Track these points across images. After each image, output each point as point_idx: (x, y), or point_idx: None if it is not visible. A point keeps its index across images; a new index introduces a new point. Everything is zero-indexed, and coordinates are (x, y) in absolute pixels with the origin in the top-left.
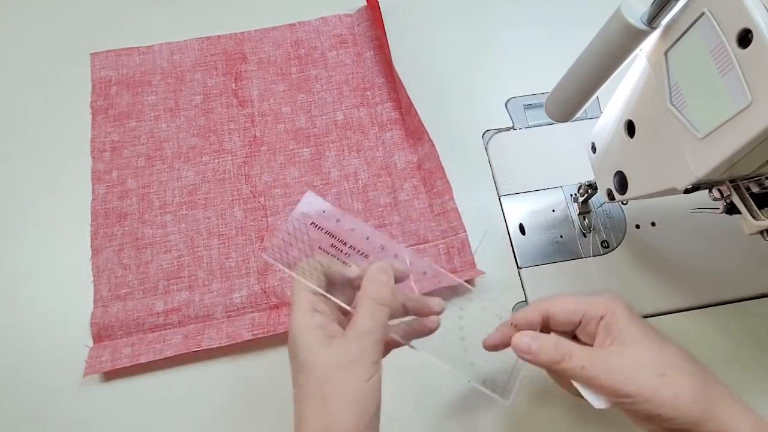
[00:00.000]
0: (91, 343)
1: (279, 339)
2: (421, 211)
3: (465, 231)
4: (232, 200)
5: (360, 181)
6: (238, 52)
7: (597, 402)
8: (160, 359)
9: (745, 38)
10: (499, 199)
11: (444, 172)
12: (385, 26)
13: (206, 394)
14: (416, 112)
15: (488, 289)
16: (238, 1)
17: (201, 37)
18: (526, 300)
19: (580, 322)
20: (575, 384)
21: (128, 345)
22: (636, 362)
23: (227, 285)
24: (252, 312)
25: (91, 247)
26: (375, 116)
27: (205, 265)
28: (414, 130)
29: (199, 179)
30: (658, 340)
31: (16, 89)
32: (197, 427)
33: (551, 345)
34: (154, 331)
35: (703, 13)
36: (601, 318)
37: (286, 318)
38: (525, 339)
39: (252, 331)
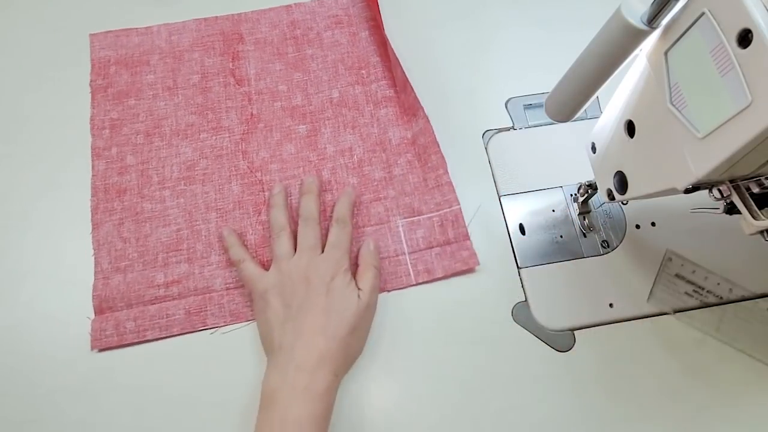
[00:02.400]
0: (92, 315)
1: None
2: (415, 185)
3: (458, 204)
4: (230, 176)
5: (355, 157)
6: (235, 33)
7: None
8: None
9: (745, 38)
10: (499, 199)
11: (438, 146)
12: (379, 6)
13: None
14: (412, 88)
15: (488, 288)
16: None
17: (199, 18)
18: (526, 300)
19: None
20: None
21: (130, 318)
22: None
23: (226, 257)
24: None
25: (92, 221)
26: (370, 94)
27: (203, 238)
28: (409, 106)
29: (197, 155)
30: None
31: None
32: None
33: None
34: (155, 303)
35: (703, 13)
36: None
37: None
38: None
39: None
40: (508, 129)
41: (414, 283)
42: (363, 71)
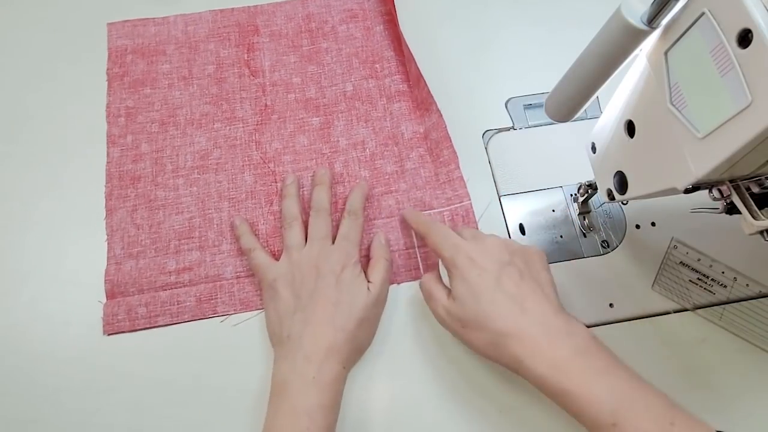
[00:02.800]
0: (104, 299)
1: None
2: (426, 179)
3: (469, 199)
4: (243, 166)
5: (367, 150)
6: (251, 25)
7: None
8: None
9: (745, 38)
10: (499, 199)
11: (451, 141)
12: (394, 1)
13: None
14: (425, 83)
15: None
16: None
17: (215, 9)
18: None
19: None
20: None
21: (142, 304)
22: (450, 311)
23: (237, 246)
24: None
25: (105, 207)
26: (383, 88)
27: (215, 226)
28: (422, 101)
29: (211, 145)
30: (474, 300)
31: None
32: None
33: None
34: (166, 290)
35: (703, 13)
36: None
37: None
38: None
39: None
40: (508, 129)
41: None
42: (377, 65)
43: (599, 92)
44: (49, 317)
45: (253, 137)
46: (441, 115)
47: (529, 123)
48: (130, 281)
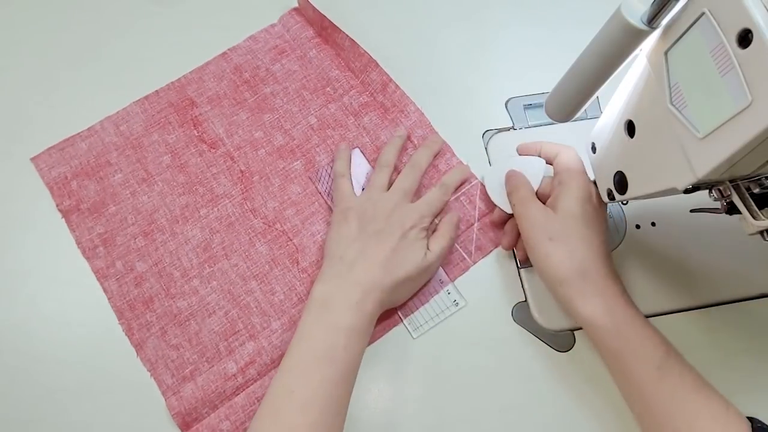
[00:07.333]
0: None
1: None
2: (431, 176)
3: (477, 178)
4: (250, 239)
5: None
6: (184, 99)
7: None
8: None
9: (745, 38)
10: None
11: (437, 133)
12: (324, 15)
13: None
14: (396, 85)
15: (488, 288)
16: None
17: (138, 99)
18: (526, 300)
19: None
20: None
21: (222, 419)
22: (541, 221)
23: (287, 319)
24: None
25: (132, 343)
26: (345, 107)
27: (254, 309)
28: (395, 104)
29: (207, 233)
30: (574, 217)
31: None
32: None
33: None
34: (239, 393)
35: (703, 13)
36: (560, 183)
37: None
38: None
39: None
40: (508, 129)
41: (472, 264)
42: (328, 89)
43: (599, 92)
44: (50, 317)
45: (246, 207)
46: (422, 113)
47: (529, 123)
48: (199, 404)
